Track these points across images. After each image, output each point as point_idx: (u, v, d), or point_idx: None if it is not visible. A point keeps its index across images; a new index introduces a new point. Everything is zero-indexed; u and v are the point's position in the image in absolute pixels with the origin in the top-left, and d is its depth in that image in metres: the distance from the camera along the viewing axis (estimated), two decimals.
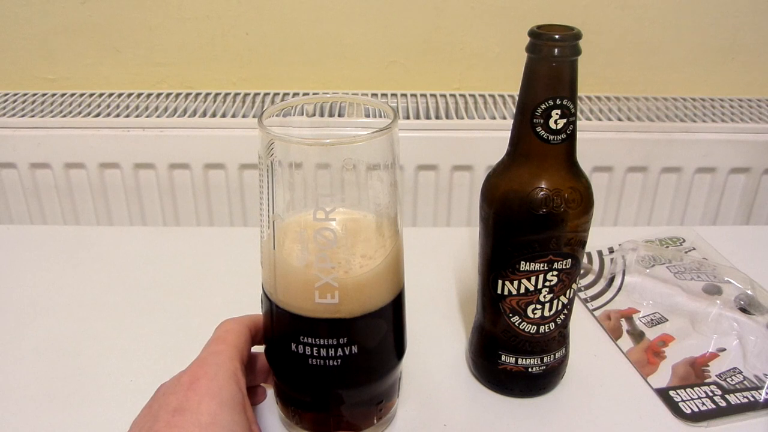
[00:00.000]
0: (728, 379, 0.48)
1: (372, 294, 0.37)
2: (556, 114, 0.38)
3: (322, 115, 0.91)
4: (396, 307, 0.40)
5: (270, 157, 0.35)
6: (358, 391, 0.40)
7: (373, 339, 0.38)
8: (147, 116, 0.98)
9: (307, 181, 0.36)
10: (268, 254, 0.38)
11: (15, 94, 1.06)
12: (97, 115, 0.99)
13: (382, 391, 0.41)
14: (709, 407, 0.46)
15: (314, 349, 0.37)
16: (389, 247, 0.38)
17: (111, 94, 1.06)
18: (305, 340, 0.37)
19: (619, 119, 1.00)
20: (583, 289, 0.60)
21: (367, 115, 0.92)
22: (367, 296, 0.37)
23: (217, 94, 1.06)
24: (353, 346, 0.37)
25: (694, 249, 0.66)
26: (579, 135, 0.40)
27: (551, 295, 0.43)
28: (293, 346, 0.38)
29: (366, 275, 0.37)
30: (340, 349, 0.37)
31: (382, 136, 0.35)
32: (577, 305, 0.57)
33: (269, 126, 0.35)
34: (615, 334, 0.54)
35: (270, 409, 0.45)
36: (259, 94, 1.07)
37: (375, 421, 0.42)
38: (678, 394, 0.47)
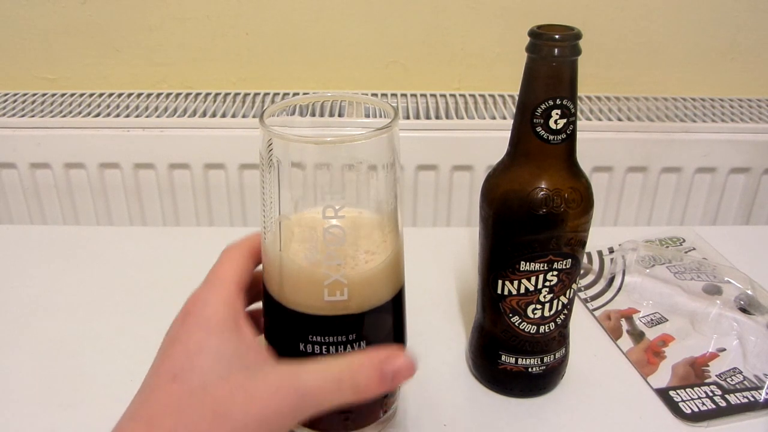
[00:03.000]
0: (728, 379, 0.48)
1: (377, 288, 0.38)
2: (556, 114, 0.38)
3: (322, 114, 0.92)
4: (397, 303, 0.40)
5: (271, 156, 0.35)
6: None
7: (380, 334, 0.39)
8: (147, 116, 0.98)
9: (308, 179, 0.36)
10: (274, 255, 0.38)
11: (15, 94, 1.06)
12: (97, 115, 0.99)
13: None
14: (709, 407, 0.46)
15: (323, 347, 0.37)
16: (391, 243, 0.38)
17: (111, 94, 1.06)
18: (314, 338, 0.37)
19: (619, 119, 1.00)
20: (583, 289, 0.60)
21: (368, 115, 0.92)
22: (374, 291, 0.37)
23: (217, 94, 1.06)
24: (362, 342, 0.37)
25: (694, 249, 0.66)
26: (579, 135, 0.40)
27: (551, 295, 0.43)
28: (301, 346, 0.37)
29: (371, 270, 0.37)
30: (349, 346, 0.37)
31: (383, 134, 0.35)
32: (577, 305, 0.57)
33: (270, 125, 0.35)
34: (615, 334, 0.54)
35: None
36: (259, 94, 1.07)
37: (381, 414, 0.42)
38: (678, 394, 0.47)
